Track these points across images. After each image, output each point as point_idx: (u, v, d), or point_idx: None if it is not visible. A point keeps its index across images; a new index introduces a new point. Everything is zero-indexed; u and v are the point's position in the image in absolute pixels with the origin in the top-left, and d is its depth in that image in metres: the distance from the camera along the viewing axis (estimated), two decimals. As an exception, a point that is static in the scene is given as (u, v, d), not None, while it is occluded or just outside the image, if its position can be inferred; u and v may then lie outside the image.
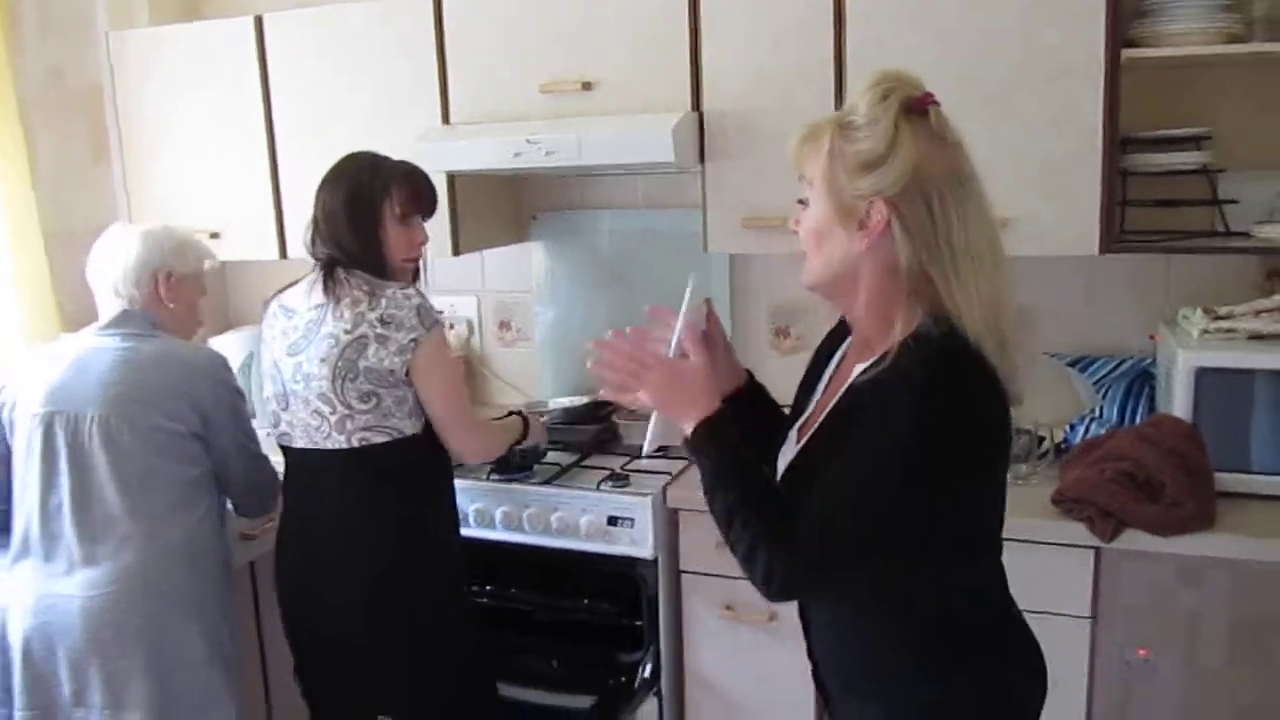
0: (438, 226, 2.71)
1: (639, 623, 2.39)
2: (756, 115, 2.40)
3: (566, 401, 2.96)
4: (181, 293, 2.19)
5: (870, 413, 1.30)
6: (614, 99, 2.49)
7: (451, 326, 3.21)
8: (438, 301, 3.16)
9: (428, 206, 2.18)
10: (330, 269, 2.03)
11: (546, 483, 2.50)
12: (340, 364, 1.96)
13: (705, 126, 2.45)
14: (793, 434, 1.52)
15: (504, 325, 3.20)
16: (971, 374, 1.30)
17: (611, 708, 2.36)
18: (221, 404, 2.09)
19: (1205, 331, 2.20)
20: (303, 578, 2.11)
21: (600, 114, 2.49)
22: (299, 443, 2.06)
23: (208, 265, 2.30)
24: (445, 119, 2.67)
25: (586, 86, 2.50)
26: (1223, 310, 2.22)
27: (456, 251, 2.76)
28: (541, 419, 2.55)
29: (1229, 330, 2.19)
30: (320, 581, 2.08)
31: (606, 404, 2.88)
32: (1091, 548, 2.09)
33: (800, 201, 1.41)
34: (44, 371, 2.06)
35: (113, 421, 1.98)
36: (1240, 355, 2.13)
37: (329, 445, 2.01)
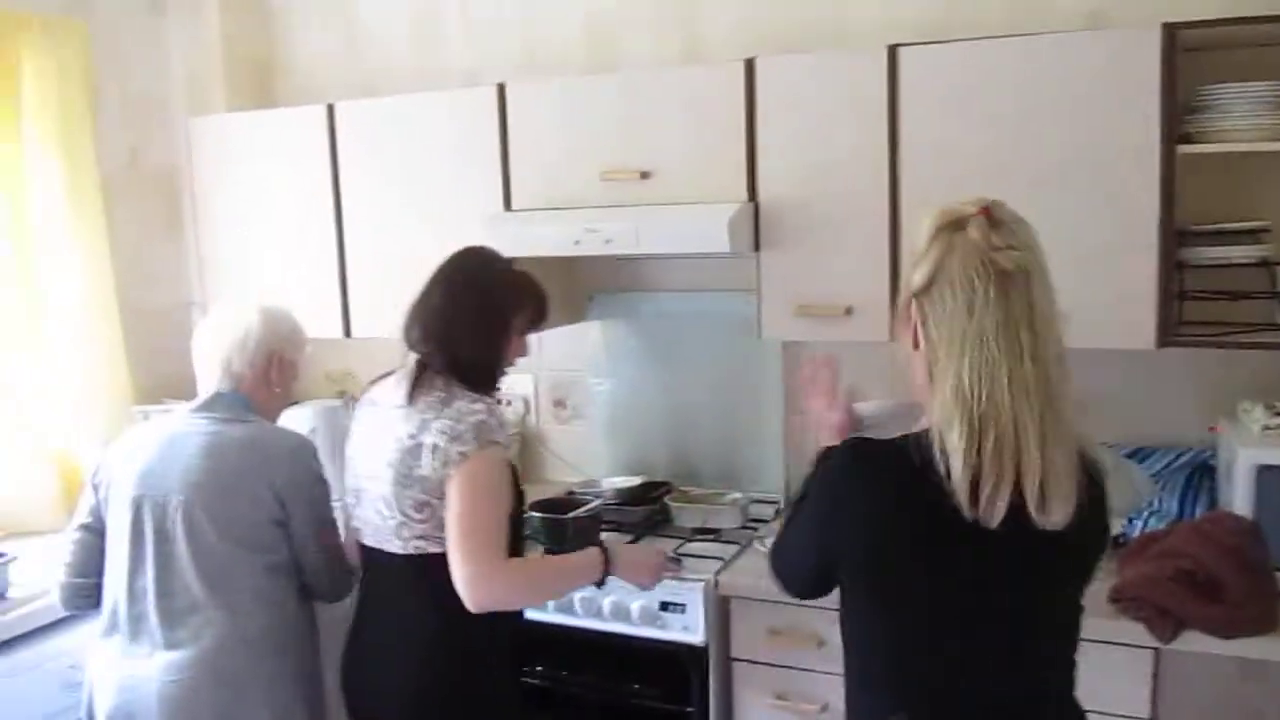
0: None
1: (690, 709, 2.39)
2: (811, 204, 2.44)
3: (620, 481, 2.98)
4: (287, 376, 2.23)
5: None
6: (671, 188, 2.55)
7: (509, 403, 3.27)
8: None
9: (545, 324, 2.17)
10: (422, 370, 1.99)
11: (599, 565, 2.52)
12: (400, 469, 1.93)
13: (760, 215, 2.49)
14: None
15: (559, 403, 3.24)
16: (868, 459, 1.45)
17: (661, 795, 2.35)
18: (300, 491, 2.08)
19: (1267, 428, 2.18)
20: (359, 673, 2.08)
21: (658, 202, 2.55)
22: (368, 540, 2.04)
23: (309, 349, 2.32)
24: (507, 205, 2.75)
25: (644, 175, 2.57)
26: (1284, 406, 2.20)
27: (517, 333, 2.81)
28: (656, 555, 2.21)
29: (1291, 427, 2.16)
30: (373, 681, 2.03)
31: (659, 484, 2.91)
32: (1150, 648, 2.05)
33: None
34: (137, 453, 2.10)
35: (195, 509, 2.01)
36: (1302, 453, 2.11)
37: (389, 548, 1.98)
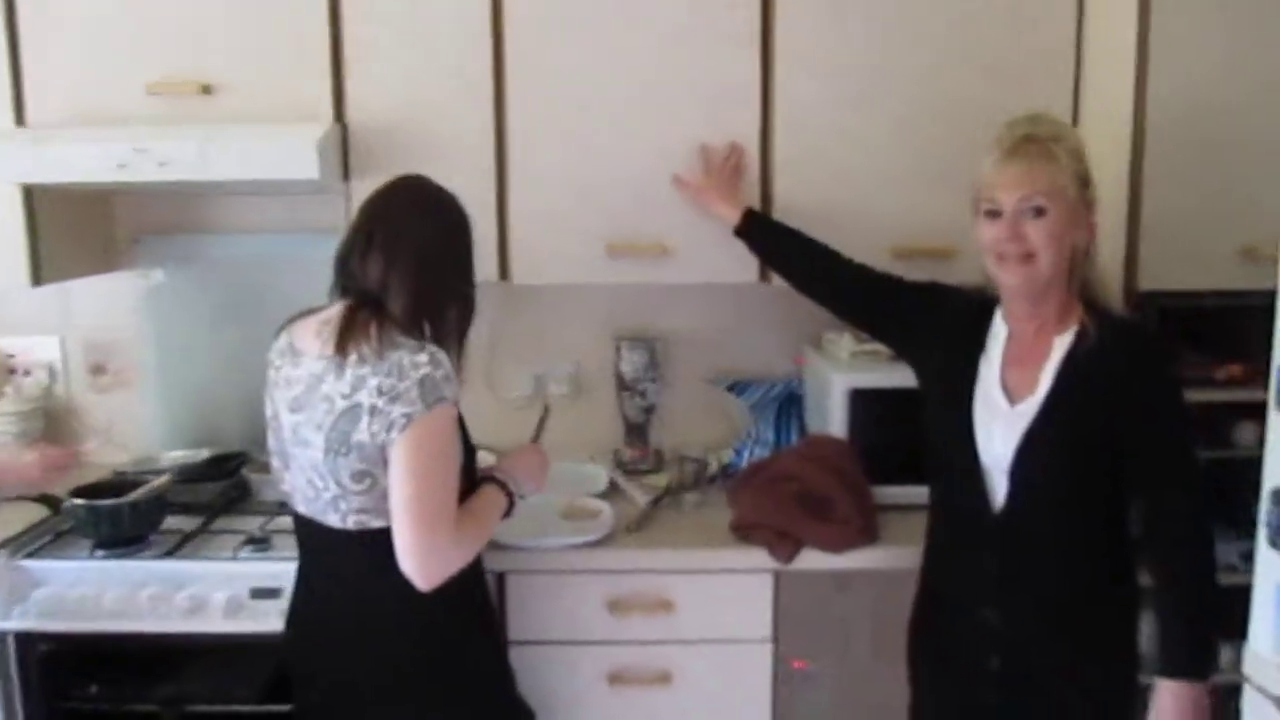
0: (9, 249, 2.26)
1: (291, 707, 2.07)
2: (409, 129, 2.22)
3: (182, 455, 2.56)
4: None
5: (1124, 372, 1.65)
6: (240, 105, 2.20)
7: (27, 373, 2.67)
8: (6, 344, 2.67)
9: None
10: (353, 314, 1.65)
11: (167, 555, 2.12)
12: (333, 435, 1.64)
13: (350, 141, 2.22)
14: (995, 396, 1.73)
15: (97, 369, 2.70)
16: None
17: (261, 811, 2.02)
18: None
19: (855, 353, 2.31)
20: (310, 658, 1.84)
21: (223, 121, 2.17)
22: (300, 508, 1.77)
23: None
24: (19, 120, 2.21)
25: (206, 90, 2.18)
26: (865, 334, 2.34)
27: (37, 281, 2.28)
28: (531, 452, 1.97)
29: (873, 352, 2.32)
30: (330, 668, 1.80)
31: (232, 455, 2.53)
32: (770, 571, 2.09)
33: (1037, 210, 1.64)
34: None
35: None
36: (886, 375, 2.24)
37: (327, 522, 1.71)
